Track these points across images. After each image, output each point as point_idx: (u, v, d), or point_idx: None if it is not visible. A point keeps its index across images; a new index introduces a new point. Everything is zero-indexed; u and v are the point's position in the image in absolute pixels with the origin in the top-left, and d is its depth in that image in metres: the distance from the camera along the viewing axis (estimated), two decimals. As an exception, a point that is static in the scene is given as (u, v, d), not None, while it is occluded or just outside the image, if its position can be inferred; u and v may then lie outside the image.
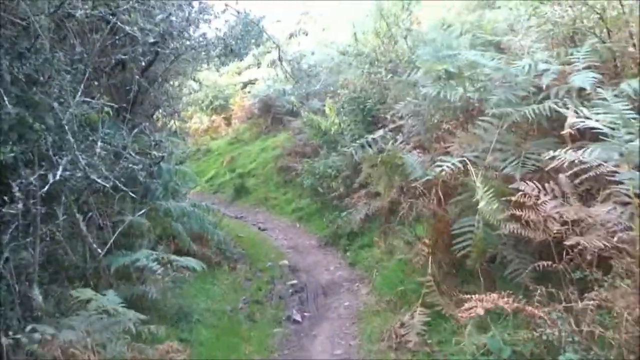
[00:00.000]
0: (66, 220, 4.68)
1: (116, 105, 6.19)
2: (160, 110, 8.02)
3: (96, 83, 4.90)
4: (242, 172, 14.62)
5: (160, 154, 6.13)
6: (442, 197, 4.90)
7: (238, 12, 12.19)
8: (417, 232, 6.34)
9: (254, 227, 11.12)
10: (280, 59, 13.53)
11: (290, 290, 6.73)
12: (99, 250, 4.65)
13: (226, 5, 10.15)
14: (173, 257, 4.77)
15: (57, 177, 3.99)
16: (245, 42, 12.70)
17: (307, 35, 19.69)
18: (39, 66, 3.93)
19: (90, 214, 5.17)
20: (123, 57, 4.92)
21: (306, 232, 10.22)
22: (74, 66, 4.30)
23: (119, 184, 4.51)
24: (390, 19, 9.65)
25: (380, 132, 5.82)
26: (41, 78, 4.02)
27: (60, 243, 4.76)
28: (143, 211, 5.52)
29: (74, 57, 4.31)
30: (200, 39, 8.20)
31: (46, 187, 3.87)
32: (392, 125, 5.68)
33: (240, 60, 25.06)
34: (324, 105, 11.66)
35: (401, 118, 5.94)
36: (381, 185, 5.82)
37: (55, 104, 4.04)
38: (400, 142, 5.69)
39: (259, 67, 25.09)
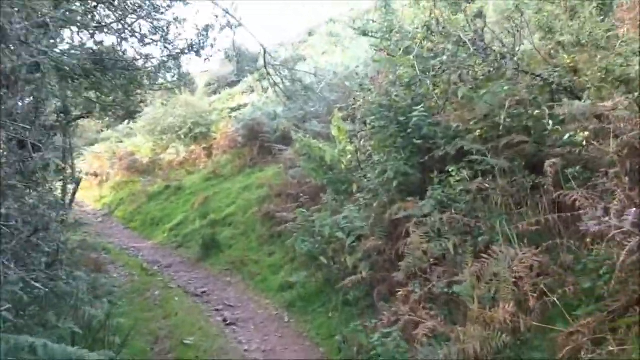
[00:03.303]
0: None
1: None
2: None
3: None
4: (216, 219, 9.98)
5: None
6: None
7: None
8: None
9: (217, 317, 6.42)
10: (265, 66, 9.09)
11: None
12: None
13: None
14: None
15: None
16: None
17: (305, 60, 15.24)
18: None
19: None
20: None
21: (300, 336, 5.52)
22: None
23: None
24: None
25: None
26: None
27: None
28: None
29: None
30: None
31: None
32: None
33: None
34: (328, 128, 7.13)
35: None
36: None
37: None
38: None
39: (251, 94, 20.79)
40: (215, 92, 25.90)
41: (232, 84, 26.20)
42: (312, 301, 5.99)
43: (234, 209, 10.11)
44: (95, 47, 9.21)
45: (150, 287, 7.66)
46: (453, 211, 3.80)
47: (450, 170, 4.19)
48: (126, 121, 19.59)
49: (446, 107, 4.40)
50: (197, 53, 8.17)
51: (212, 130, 15.17)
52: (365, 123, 5.04)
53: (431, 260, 3.78)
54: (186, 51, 7.94)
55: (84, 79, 9.90)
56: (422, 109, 4.30)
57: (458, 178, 4.14)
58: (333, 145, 5.94)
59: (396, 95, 4.48)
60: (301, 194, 7.56)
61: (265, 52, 9.07)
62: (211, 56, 8.66)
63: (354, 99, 5.56)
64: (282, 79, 8.99)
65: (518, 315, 2.92)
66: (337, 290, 5.53)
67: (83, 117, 7.08)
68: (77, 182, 7.12)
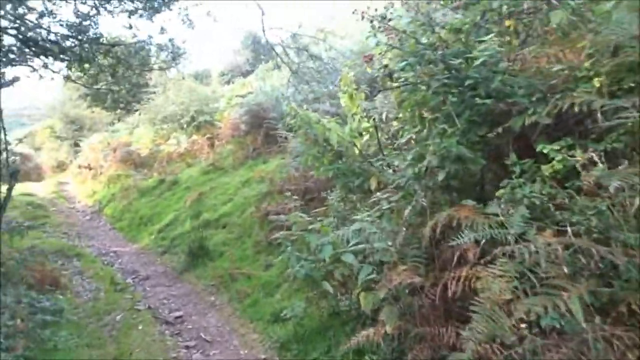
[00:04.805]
0: None
1: None
2: None
3: None
4: (209, 220, 8.20)
5: None
6: None
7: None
8: None
9: (185, 359, 4.60)
10: (263, 31, 7.20)
11: None
12: None
13: None
14: None
15: None
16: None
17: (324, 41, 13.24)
18: None
19: None
20: None
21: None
22: None
23: None
24: None
25: None
26: None
27: None
28: None
29: None
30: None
31: None
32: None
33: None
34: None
35: None
36: None
37: None
38: None
39: (264, 81, 18.94)
40: (229, 82, 24.45)
41: (246, 74, 24.68)
42: (313, 344, 4.10)
43: (230, 207, 8.30)
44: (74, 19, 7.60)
45: (113, 308, 5.92)
46: (570, 231, 1.86)
47: (544, 151, 2.23)
48: (136, 112, 17.90)
49: (531, 42, 2.44)
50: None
51: (216, 118, 13.43)
52: (390, 76, 3.01)
53: (523, 327, 1.85)
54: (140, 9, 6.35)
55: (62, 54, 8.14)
56: (492, 45, 2.34)
57: (559, 166, 2.19)
58: (341, 122, 4.02)
59: (443, 16, 2.49)
60: (305, 189, 5.68)
61: (262, 13, 7.22)
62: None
63: (369, 30, 3.44)
64: (283, 48, 7.13)
65: None
66: (348, 333, 3.65)
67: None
68: (13, 174, 5.37)
